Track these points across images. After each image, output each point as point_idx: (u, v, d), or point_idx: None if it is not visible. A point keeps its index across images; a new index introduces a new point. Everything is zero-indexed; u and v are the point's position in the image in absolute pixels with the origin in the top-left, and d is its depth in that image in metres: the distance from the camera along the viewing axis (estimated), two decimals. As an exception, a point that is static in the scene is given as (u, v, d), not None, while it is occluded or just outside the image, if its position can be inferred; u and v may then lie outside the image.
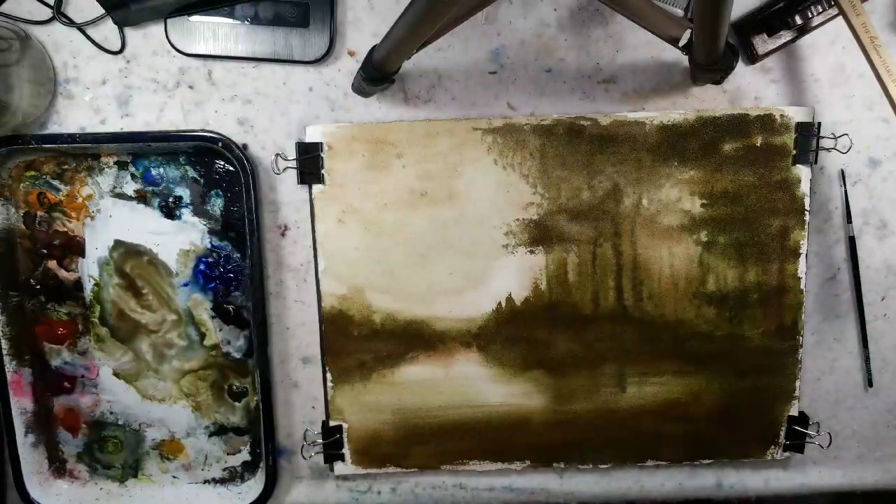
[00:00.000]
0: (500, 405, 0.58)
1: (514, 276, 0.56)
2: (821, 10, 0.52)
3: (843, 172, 0.56)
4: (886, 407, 0.60)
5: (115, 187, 0.57)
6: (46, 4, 0.54)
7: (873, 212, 0.57)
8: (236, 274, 0.58)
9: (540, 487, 0.61)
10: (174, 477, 0.61)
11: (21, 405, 0.58)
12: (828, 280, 0.58)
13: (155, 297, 0.58)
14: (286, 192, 0.56)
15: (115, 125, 0.56)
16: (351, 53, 0.55)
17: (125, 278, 0.58)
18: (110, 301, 0.58)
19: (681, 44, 0.48)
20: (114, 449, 0.61)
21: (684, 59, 0.50)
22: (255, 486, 0.60)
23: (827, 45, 0.55)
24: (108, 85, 0.55)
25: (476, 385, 0.57)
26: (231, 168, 0.56)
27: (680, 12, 0.49)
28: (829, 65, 0.55)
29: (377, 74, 0.49)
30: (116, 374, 0.60)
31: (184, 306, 0.59)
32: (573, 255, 0.56)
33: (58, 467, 0.61)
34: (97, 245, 0.58)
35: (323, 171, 0.55)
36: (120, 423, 0.61)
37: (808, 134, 0.54)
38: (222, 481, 0.61)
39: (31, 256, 0.58)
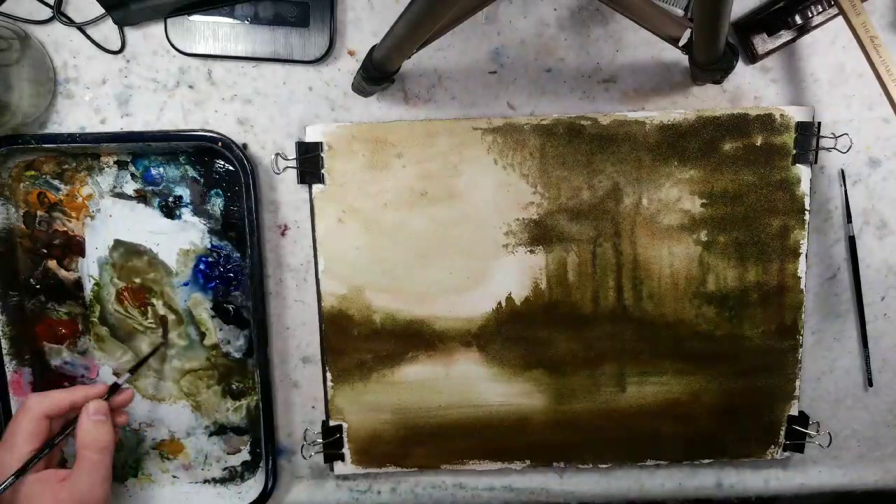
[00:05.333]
0: (500, 405, 0.58)
1: (514, 275, 0.56)
2: (821, 9, 0.52)
3: (843, 172, 0.56)
4: (886, 407, 0.60)
5: (115, 187, 0.57)
6: (46, 4, 0.54)
7: (873, 211, 0.57)
8: (236, 274, 0.58)
9: (540, 487, 0.61)
10: (174, 477, 0.61)
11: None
12: (828, 280, 0.58)
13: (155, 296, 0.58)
14: (286, 192, 0.56)
15: (115, 125, 0.56)
16: (351, 53, 0.55)
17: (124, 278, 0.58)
18: (110, 301, 0.58)
19: (681, 44, 0.48)
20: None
21: (684, 59, 0.50)
22: (255, 485, 0.60)
23: (827, 45, 0.55)
24: (108, 85, 0.55)
25: (476, 385, 0.57)
26: (231, 168, 0.56)
27: (680, 12, 0.49)
28: (829, 65, 0.55)
29: (377, 74, 0.49)
30: (116, 374, 0.60)
31: (184, 306, 0.59)
32: (573, 255, 0.56)
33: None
34: (97, 245, 0.58)
35: (323, 171, 0.55)
36: (120, 422, 0.61)
37: (808, 134, 0.54)
38: (222, 481, 0.61)
39: (31, 256, 0.58)
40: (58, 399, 0.49)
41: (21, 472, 0.46)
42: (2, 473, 0.46)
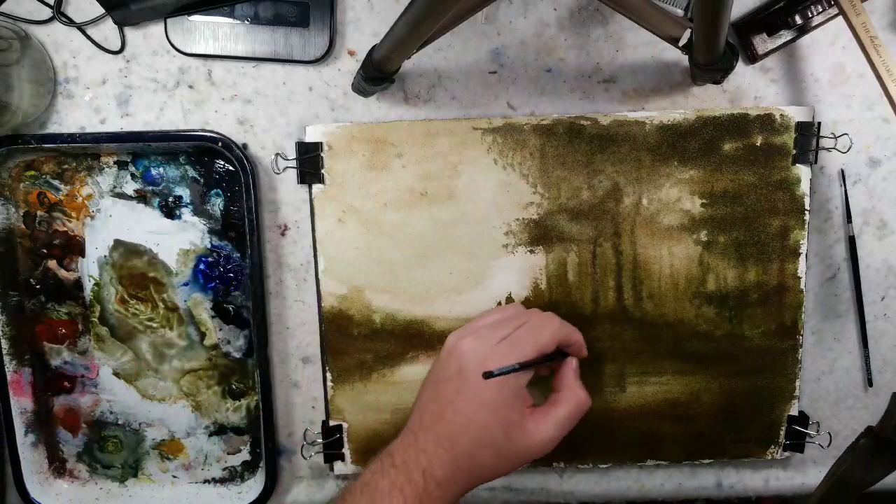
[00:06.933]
0: (500, 405, 0.58)
1: (514, 275, 0.56)
2: (821, 9, 0.52)
3: (843, 172, 0.56)
4: (887, 407, 0.60)
5: (115, 187, 0.57)
6: (46, 4, 0.54)
7: (873, 211, 0.57)
8: (236, 274, 0.58)
9: (540, 487, 0.61)
10: (174, 477, 0.61)
11: (21, 405, 0.58)
12: (828, 280, 0.58)
13: (154, 296, 0.58)
14: (286, 192, 0.56)
15: (115, 125, 0.56)
16: (351, 53, 0.55)
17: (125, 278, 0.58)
18: (110, 301, 0.58)
19: (681, 44, 0.48)
20: (114, 449, 0.61)
21: (684, 59, 0.50)
22: (255, 485, 0.60)
23: (827, 45, 0.55)
24: (108, 85, 0.55)
25: (476, 385, 0.57)
26: (231, 168, 0.56)
27: (680, 12, 0.49)
28: (829, 65, 0.55)
29: (377, 74, 0.49)
30: (116, 374, 0.60)
31: (184, 306, 0.59)
32: (573, 255, 0.56)
33: (58, 467, 0.61)
34: (97, 245, 0.58)
35: (323, 171, 0.55)
36: (120, 422, 0.61)
37: (808, 134, 0.54)
38: (222, 481, 0.61)
39: (31, 256, 0.58)
40: (568, 333, 0.51)
41: (522, 368, 0.46)
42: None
